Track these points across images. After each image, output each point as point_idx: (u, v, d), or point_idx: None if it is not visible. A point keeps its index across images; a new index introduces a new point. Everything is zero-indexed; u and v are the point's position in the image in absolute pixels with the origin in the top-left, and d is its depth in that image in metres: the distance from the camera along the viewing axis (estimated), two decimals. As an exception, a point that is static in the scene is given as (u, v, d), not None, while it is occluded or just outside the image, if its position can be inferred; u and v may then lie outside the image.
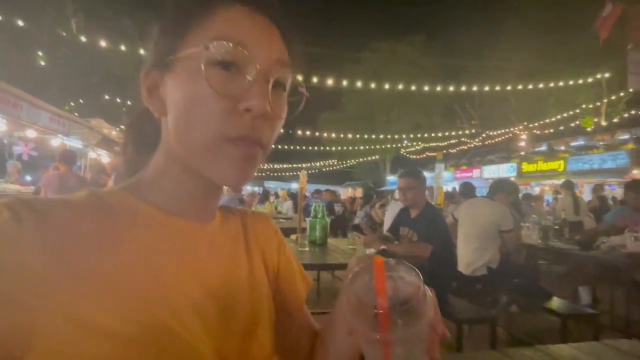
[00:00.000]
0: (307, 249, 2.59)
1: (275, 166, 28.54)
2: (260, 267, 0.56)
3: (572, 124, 16.25)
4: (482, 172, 18.80)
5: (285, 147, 21.50)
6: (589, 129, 16.14)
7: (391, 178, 23.63)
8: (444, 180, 15.45)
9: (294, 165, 26.77)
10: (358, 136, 19.59)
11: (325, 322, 0.55)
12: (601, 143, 15.13)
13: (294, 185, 22.04)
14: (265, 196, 11.10)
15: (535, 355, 0.93)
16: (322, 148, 23.46)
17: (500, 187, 3.42)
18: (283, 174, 29.25)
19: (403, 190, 2.80)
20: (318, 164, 28.61)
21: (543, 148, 17.65)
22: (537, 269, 4.39)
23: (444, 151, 20.68)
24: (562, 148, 16.74)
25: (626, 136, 14.48)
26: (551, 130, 17.02)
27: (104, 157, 8.08)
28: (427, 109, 22.42)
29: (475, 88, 13.61)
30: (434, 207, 2.94)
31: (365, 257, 0.48)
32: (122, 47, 8.75)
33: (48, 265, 0.36)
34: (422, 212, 2.74)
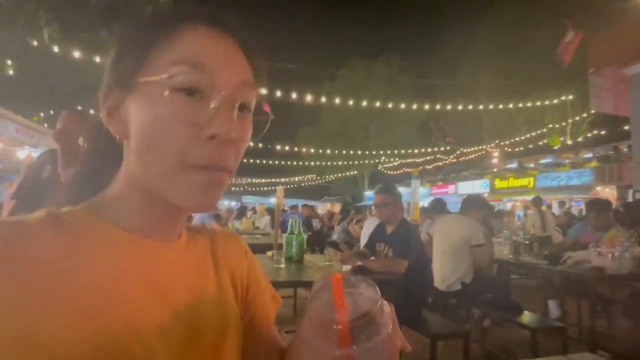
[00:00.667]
0: (283, 265, 2.56)
1: (254, 181, 28.32)
2: (228, 286, 0.55)
3: (541, 142, 17.01)
4: (457, 187, 19.30)
5: (264, 161, 21.43)
6: (556, 147, 16.92)
7: (369, 193, 23.86)
8: (420, 196, 15.72)
9: (273, 180, 26.66)
10: (336, 152, 19.78)
11: (292, 340, 0.55)
12: (567, 161, 15.88)
13: (273, 200, 21.88)
14: (242, 211, 10.96)
15: (502, 370, 0.95)
16: (300, 163, 23.51)
17: (471, 203, 3.52)
18: (261, 188, 29.04)
19: (379, 206, 2.84)
20: (297, 179, 28.60)
21: (514, 165, 18.33)
22: (508, 283, 4.51)
23: (420, 167, 21.13)
24: (532, 165, 17.45)
25: (590, 154, 15.26)
26: (521, 148, 17.75)
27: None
28: (403, 126, 22.96)
29: (449, 107, 14.08)
30: (409, 223, 2.99)
31: (328, 275, 0.48)
32: (97, 59, 8.59)
33: None
34: (398, 227, 2.78)
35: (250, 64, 0.47)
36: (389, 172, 23.98)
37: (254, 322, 0.60)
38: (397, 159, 21.56)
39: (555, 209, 11.06)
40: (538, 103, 14.35)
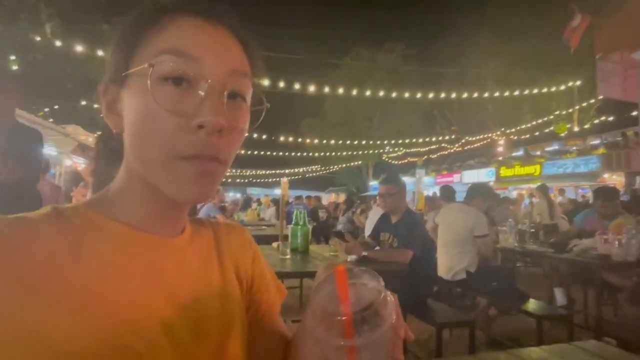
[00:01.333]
0: (288, 256, 2.58)
1: (258, 172, 28.37)
2: (233, 279, 0.56)
3: (547, 130, 16.81)
4: (462, 176, 19.17)
5: (268, 153, 21.44)
6: (562, 135, 16.72)
7: (373, 183, 23.82)
8: (425, 185, 15.67)
9: (277, 171, 26.68)
10: (340, 142, 19.72)
11: (296, 331, 0.55)
12: (574, 148, 15.70)
13: (277, 192, 21.94)
14: (247, 203, 11.02)
15: (508, 358, 0.96)
16: (305, 154, 23.48)
17: (476, 191, 3.50)
18: (266, 180, 29.11)
19: (383, 196, 2.84)
20: (301, 170, 28.60)
21: (520, 153, 18.16)
22: (514, 271, 4.50)
23: (425, 157, 21.03)
24: (538, 153, 17.28)
25: (597, 141, 15.07)
26: (527, 136, 17.57)
27: (81, 165, 7.86)
28: (407, 115, 22.79)
29: (454, 95, 13.94)
30: (414, 213, 2.99)
31: (331, 266, 0.49)
32: (100, 52, 8.59)
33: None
34: (403, 217, 2.77)
35: (246, 53, 0.47)
36: (393, 161, 23.90)
37: (259, 314, 0.60)
38: (401, 148, 21.46)
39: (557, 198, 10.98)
40: (544, 90, 14.15)
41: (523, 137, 17.62)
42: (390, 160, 24.10)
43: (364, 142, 20.37)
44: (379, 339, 0.37)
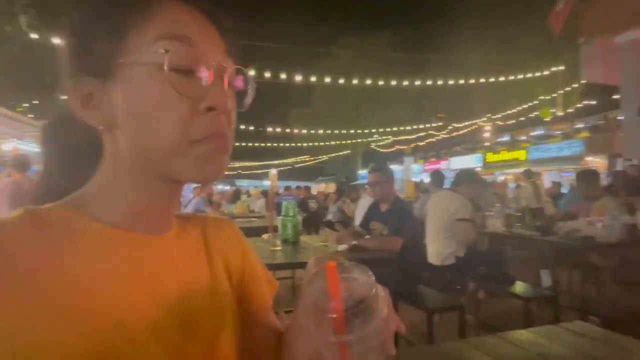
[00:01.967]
0: (279, 247, 2.58)
1: (247, 164, 28.21)
2: (222, 275, 0.55)
3: (532, 115, 17.05)
4: (450, 163, 19.39)
5: (256, 144, 21.29)
6: (547, 119, 16.98)
7: (363, 172, 23.93)
8: (413, 172, 15.81)
9: (266, 163, 26.57)
10: (329, 132, 19.69)
11: (288, 325, 0.55)
12: (558, 132, 15.97)
13: (267, 183, 21.89)
14: (237, 195, 10.95)
15: (496, 342, 0.98)
16: (293, 144, 23.41)
17: (462, 178, 3.54)
18: (255, 171, 28.97)
19: (372, 185, 2.85)
20: (290, 161, 28.54)
21: (506, 138, 18.42)
22: (501, 255, 4.60)
23: (413, 144, 21.17)
24: (524, 138, 17.54)
25: (581, 125, 15.36)
26: (513, 121, 17.79)
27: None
28: (395, 103, 22.83)
29: (440, 82, 13.99)
30: (403, 201, 3.01)
31: (322, 260, 0.48)
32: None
33: None
34: (392, 206, 2.80)
35: (224, 37, 0.47)
36: (382, 150, 24.00)
37: (251, 309, 0.60)
38: (389, 136, 21.54)
39: (547, 181, 11.18)
40: (529, 75, 14.31)
41: (509, 122, 17.84)
42: (378, 149, 24.19)
43: (352, 131, 20.39)
44: (371, 333, 0.37)
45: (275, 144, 22.46)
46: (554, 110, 17.00)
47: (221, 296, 0.53)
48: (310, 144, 23.34)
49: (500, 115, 17.29)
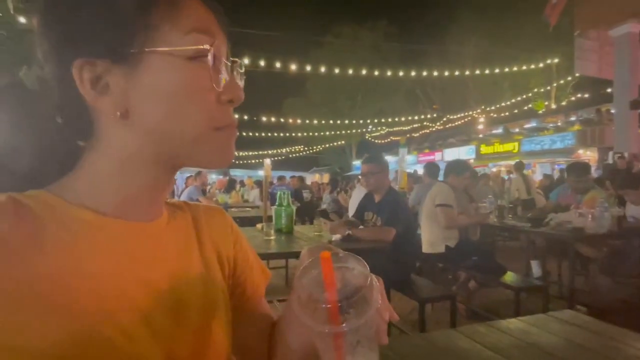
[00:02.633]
0: (272, 237, 2.58)
1: (241, 154, 28.07)
2: (214, 263, 0.54)
3: (525, 107, 17.13)
4: (444, 154, 19.47)
5: (251, 134, 21.16)
6: (540, 112, 17.07)
7: (357, 163, 23.95)
8: (407, 163, 15.85)
9: (260, 152, 26.45)
10: (323, 122, 19.61)
11: (282, 314, 0.55)
12: (551, 125, 16.08)
13: (261, 173, 21.82)
14: (231, 185, 10.89)
15: (487, 330, 0.99)
16: (288, 134, 23.30)
17: (450, 168, 3.57)
18: (249, 161, 28.85)
19: (366, 175, 2.85)
20: (284, 151, 28.43)
21: (499, 130, 18.51)
22: (493, 245, 4.66)
23: (408, 135, 21.18)
24: (517, 130, 17.63)
25: (573, 118, 15.47)
26: (506, 114, 17.87)
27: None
28: (390, 94, 22.77)
29: (435, 73, 13.96)
30: (397, 192, 3.02)
31: (316, 249, 0.48)
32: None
33: None
34: (385, 196, 2.80)
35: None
36: (376, 140, 24.00)
37: (244, 297, 0.60)
38: (384, 127, 21.52)
39: (539, 173, 11.29)
40: (523, 67, 14.33)
41: (502, 114, 17.91)
42: (373, 140, 24.18)
43: (347, 122, 20.34)
44: (366, 323, 0.37)
45: (270, 134, 22.33)
46: (547, 102, 17.09)
47: (212, 284, 0.52)
48: (305, 134, 23.26)
49: (494, 108, 17.34)
